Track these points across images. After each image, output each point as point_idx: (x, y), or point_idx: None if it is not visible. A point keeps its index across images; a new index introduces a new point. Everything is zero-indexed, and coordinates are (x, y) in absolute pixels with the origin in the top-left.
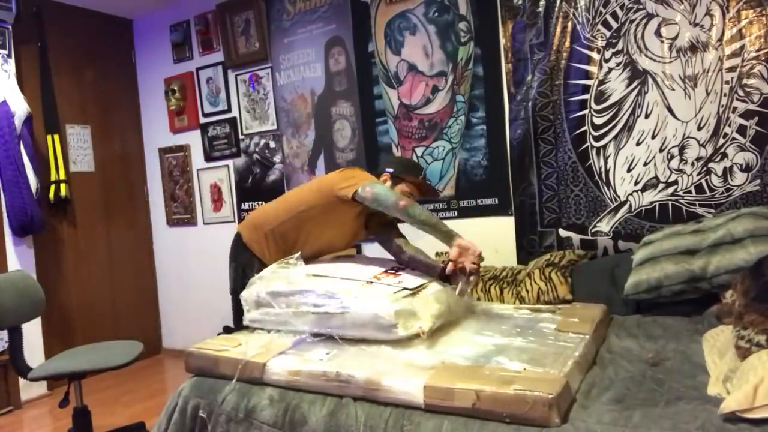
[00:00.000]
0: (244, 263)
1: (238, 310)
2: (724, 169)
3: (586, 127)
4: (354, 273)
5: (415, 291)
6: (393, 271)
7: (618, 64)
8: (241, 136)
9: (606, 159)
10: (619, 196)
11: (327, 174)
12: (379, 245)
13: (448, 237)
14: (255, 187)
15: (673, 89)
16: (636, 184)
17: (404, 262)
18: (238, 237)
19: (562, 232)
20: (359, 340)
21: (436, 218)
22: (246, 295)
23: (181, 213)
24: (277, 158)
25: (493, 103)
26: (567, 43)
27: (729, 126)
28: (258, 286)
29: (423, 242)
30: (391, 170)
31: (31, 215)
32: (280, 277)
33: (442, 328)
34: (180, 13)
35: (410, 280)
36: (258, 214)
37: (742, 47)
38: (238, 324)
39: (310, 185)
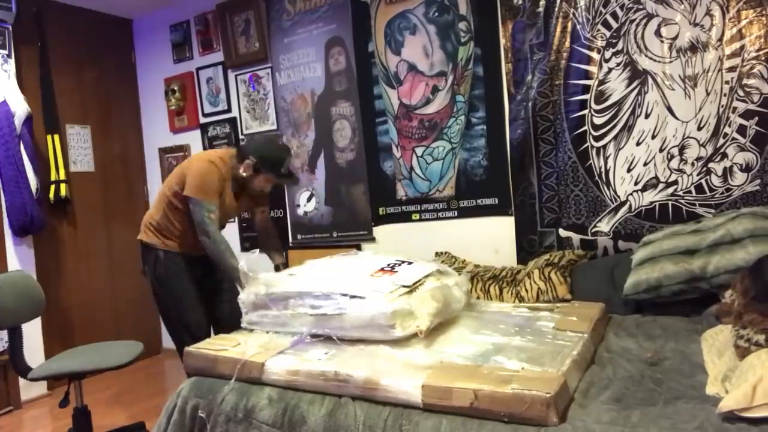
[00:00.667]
0: (153, 261)
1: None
2: (724, 169)
3: (586, 127)
4: (353, 271)
5: (412, 288)
6: (389, 269)
7: (618, 64)
8: (241, 136)
9: (606, 159)
10: (619, 196)
11: (177, 168)
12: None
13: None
14: None
15: (673, 89)
16: (636, 184)
17: (259, 231)
18: (140, 245)
19: (562, 232)
20: (358, 340)
21: (227, 248)
22: (244, 298)
23: None
24: None
25: (493, 103)
26: (567, 43)
27: (729, 126)
28: (256, 289)
29: (421, 244)
30: (253, 161)
31: (31, 215)
32: (277, 279)
33: (441, 327)
34: (180, 13)
35: (407, 276)
36: (145, 217)
37: (742, 47)
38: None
39: (168, 180)
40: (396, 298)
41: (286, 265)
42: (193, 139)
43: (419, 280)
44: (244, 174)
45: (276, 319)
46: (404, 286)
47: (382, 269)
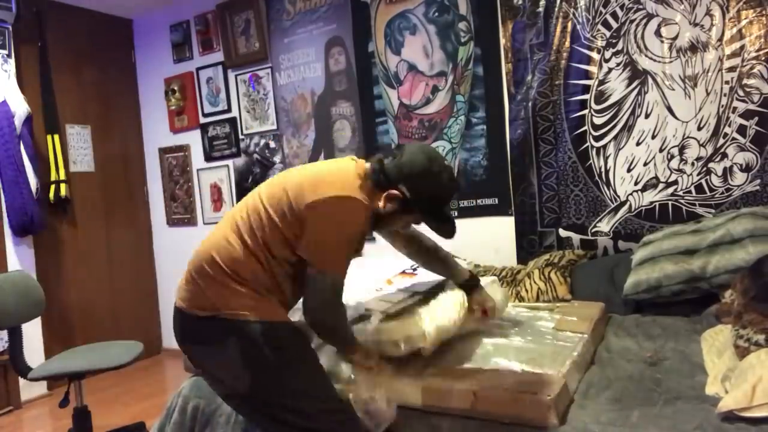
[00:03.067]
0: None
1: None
2: (724, 169)
3: (586, 127)
4: (369, 273)
5: (427, 298)
6: (411, 271)
7: (618, 64)
8: (241, 136)
9: (606, 159)
10: (619, 196)
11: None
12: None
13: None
14: (255, 187)
15: (673, 89)
16: (636, 184)
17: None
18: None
19: (562, 232)
20: None
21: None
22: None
23: (181, 213)
24: (277, 158)
25: (493, 103)
26: (567, 43)
27: (729, 126)
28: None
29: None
30: (404, 191)
31: (31, 215)
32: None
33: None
34: (180, 13)
35: (423, 284)
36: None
37: (742, 47)
38: None
39: (262, 206)
40: (394, 316)
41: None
42: (193, 139)
43: (434, 291)
44: (383, 209)
45: None
46: (417, 293)
47: (403, 272)
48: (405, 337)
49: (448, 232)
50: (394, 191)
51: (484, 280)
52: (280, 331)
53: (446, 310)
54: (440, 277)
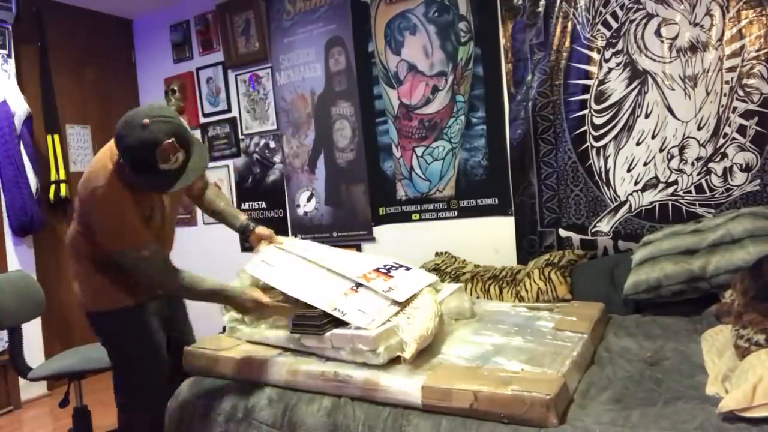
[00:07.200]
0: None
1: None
2: (724, 169)
3: (586, 127)
4: (343, 267)
5: (404, 304)
6: (385, 271)
7: (618, 64)
8: (241, 136)
9: (606, 159)
10: (619, 196)
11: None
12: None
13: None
14: (255, 187)
15: (673, 89)
16: (636, 184)
17: (208, 205)
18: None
19: (562, 232)
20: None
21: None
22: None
23: (181, 213)
24: (277, 158)
25: (493, 103)
26: (567, 43)
27: (729, 126)
28: (259, 267)
29: (421, 244)
30: (124, 161)
31: (31, 215)
32: (271, 257)
33: (441, 328)
34: (180, 13)
35: (401, 288)
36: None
37: (742, 47)
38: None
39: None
40: (381, 321)
41: (251, 226)
42: None
43: (413, 295)
44: (126, 178)
45: (254, 331)
46: (395, 302)
47: (377, 270)
48: (386, 347)
49: (159, 184)
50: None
51: (449, 287)
52: None
53: (424, 319)
54: (416, 287)
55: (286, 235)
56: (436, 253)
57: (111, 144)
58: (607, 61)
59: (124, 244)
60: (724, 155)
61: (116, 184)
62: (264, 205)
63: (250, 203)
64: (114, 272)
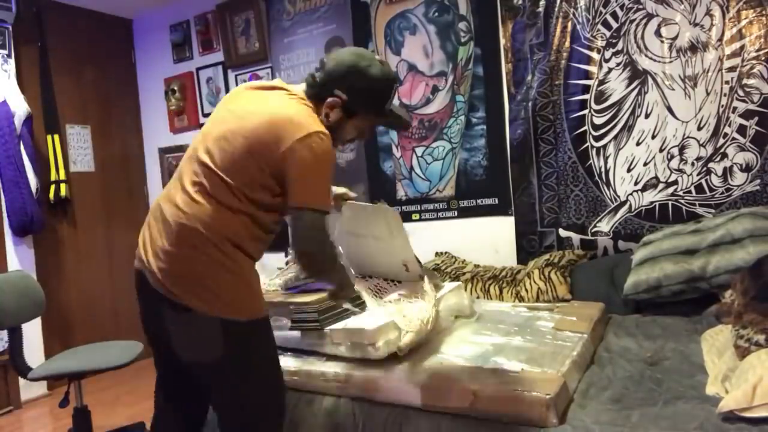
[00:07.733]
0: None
1: None
2: (724, 169)
3: (586, 127)
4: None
5: (405, 296)
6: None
7: (618, 64)
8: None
9: (606, 159)
10: (619, 196)
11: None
12: None
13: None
14: None
15: (673, 89)
16: (636, 184)
17: None
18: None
19: (562, 232)
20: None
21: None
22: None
23: None
24: None
25: (493, 103)
26: (567, 43)
27: (729, 126)
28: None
29: (421, 244)
30: (340, 95)
31: (31, 215)
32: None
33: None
34: (180, 13)
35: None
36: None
37: (742, 47)
38: None
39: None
40: (380, 316)
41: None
42: (193, 139)
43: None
44: (330, 121)
45: None
46: (389, 302)
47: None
48: (385, 341)
49: (399, 125)
50: (332, 98)
51: (448, 285)
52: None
53: (420, 311)
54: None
55: (286, 236)
56: (436, 253)
57: (298, 93)
58: (607, 61)
59: (319, 200)
60: (724, 155)
61: (329, 135)
62: None
63: None
64: (255, 272)
